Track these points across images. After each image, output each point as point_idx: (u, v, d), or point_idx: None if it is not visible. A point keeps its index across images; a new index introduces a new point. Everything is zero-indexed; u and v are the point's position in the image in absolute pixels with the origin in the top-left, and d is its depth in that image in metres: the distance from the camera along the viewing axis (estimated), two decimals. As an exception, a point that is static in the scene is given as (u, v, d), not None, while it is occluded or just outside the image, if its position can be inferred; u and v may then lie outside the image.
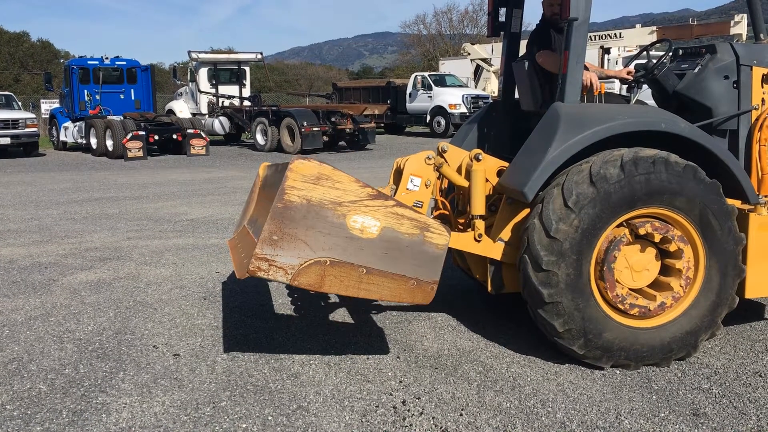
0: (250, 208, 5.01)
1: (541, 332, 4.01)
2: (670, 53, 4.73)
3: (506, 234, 4.14)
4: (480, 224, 4.12)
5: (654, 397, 3.60)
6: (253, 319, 4.86)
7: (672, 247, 3.85)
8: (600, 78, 5.03)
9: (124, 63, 22.18)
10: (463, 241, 4.14)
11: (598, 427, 3.29)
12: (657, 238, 3.84)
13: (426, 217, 3.40)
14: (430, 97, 26.49)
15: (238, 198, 10.82)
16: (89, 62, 21.62)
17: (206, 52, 25.67)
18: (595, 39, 23.06)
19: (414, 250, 3.34)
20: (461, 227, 4.52)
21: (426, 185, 4.21)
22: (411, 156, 4.31)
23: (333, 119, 20.12)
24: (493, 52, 27.52)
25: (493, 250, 4.15)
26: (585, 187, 3.71)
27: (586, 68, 4.42)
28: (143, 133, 18.68)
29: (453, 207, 4.75)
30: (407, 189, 4.19)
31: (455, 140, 5.08)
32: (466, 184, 4.27)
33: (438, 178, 4.34)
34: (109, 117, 20.17)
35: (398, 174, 4.40)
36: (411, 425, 3.31)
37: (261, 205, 4.74)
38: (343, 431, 3.26)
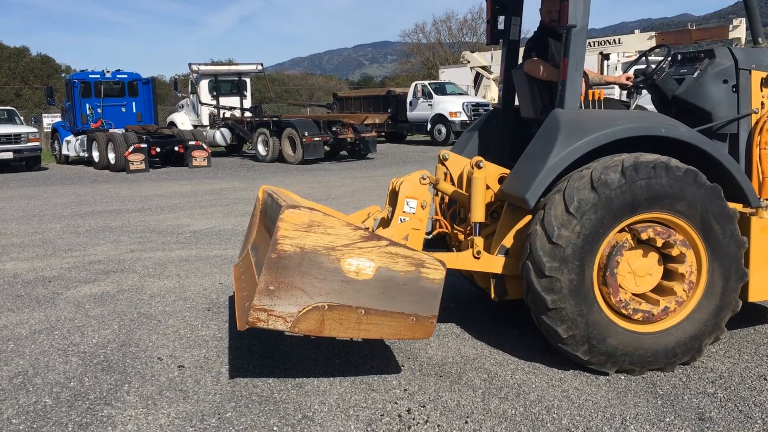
0: (253, 233, 5.03)
1: (545, 339, 4.01)
2: (669, 58, 4.75)
3: (508, 241, 4.15)
4: (479, 241, 4.13)
5: (659, 402, 3.60)
6: (256, 329, 4.84)
7: (674, 252, 3.86)
8: (599, 84, 5.05)
9: (126, 76, 22.31)
10: (463, 261, 4.16)
11: (604, 432, 3.29)
12: (659, 243, 3.85)
13: (420, 252, 3.42)
14: (431, 105, 26.57)
15: (241, 209, 10.84)
16: (90, 76, 21.77)
17: (207, 64, 25.84)
18: (594, 45, 23.09)
19: (411, 287, 3.37)
20: (463, 236, 4.53)
21: (422, 207, 4.23)
22: (405, 178, 4.34)
23: (334, 129, 20.19)
24: (492, 59, 27.60)
25: (494, 264, 4.16)
26: (586, 193, 3.72)
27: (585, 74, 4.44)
28: (145, 145, 18.77)
29: (455, 217, 4.76)
30: (404, 212, 4.21)
31: (456, 148, 5.10)
32: (465, 195, 4.27)
33: (435, 194, 4.35)
34: (111, 130, 20.28)
35: (394, 195, 4.41)
36: (416, 433, 3.30)
37: (261, 232, 4.75)
38: (349, 440, 3.27)
